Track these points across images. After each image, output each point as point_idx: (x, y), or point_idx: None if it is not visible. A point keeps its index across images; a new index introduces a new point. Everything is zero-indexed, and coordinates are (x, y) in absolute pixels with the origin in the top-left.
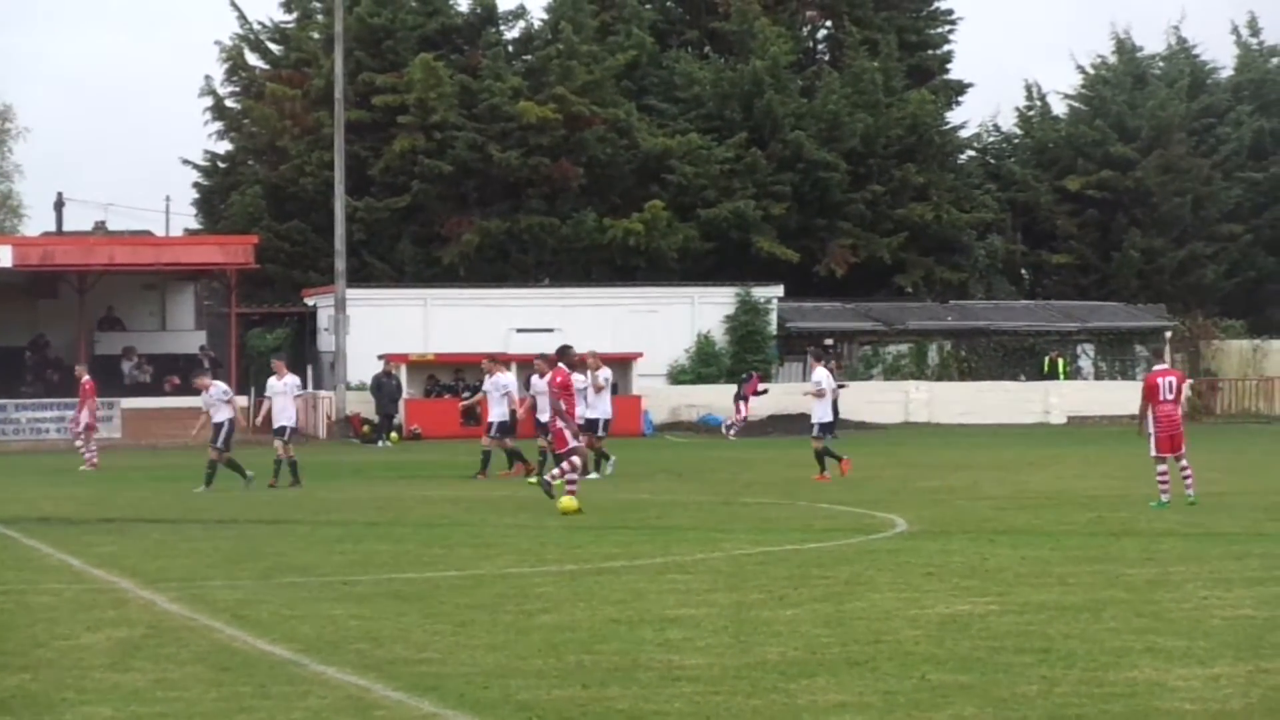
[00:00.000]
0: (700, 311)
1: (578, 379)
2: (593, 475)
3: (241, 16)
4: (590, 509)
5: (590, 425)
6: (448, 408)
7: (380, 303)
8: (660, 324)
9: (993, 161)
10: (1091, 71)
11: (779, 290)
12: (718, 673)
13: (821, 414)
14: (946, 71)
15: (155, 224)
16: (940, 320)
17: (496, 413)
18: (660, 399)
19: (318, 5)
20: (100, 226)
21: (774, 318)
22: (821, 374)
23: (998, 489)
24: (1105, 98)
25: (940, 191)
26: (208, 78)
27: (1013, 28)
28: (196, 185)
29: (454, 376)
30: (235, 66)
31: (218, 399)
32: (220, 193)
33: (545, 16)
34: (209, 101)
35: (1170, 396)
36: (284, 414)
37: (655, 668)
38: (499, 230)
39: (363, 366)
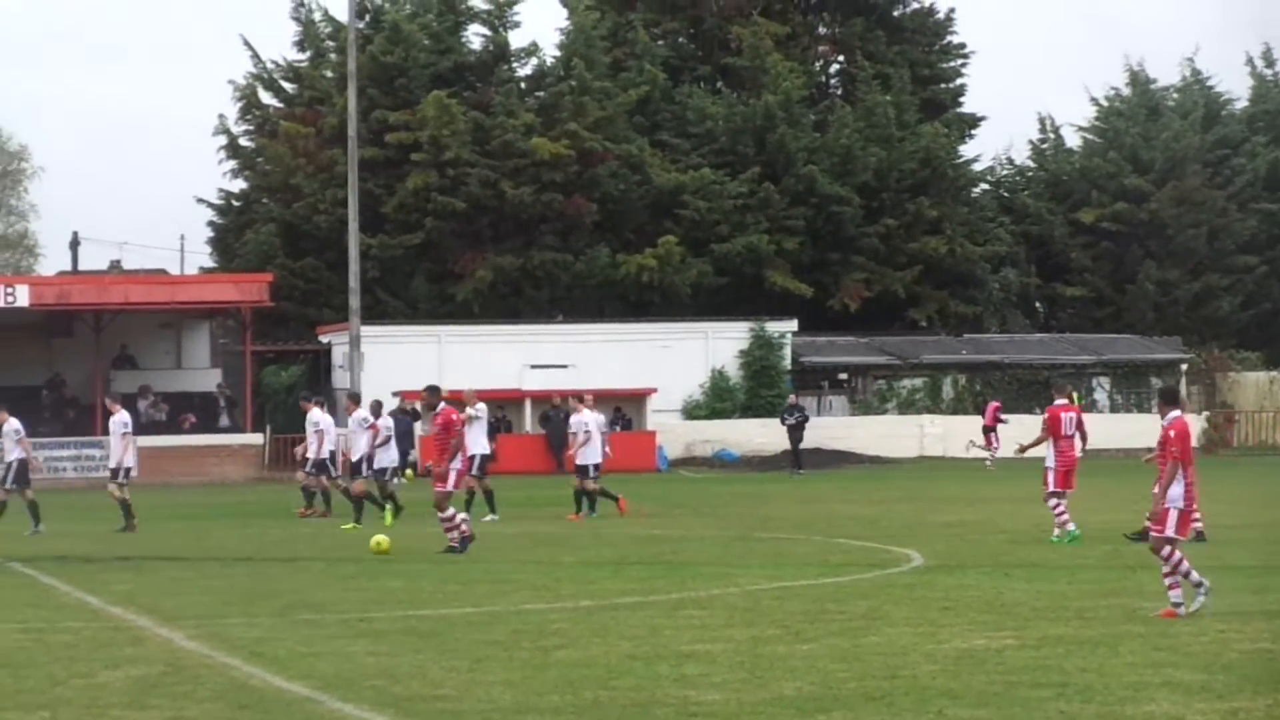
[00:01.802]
0: (714, 346)
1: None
2: (489, 517)
3: (255, 55)
4: (606, 545)
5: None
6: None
7: (394, 340)
8: (674, 359)
9: (1006, 194)
10: (1105, 104)
11: (793, 325)
12: (734, 708)
13: (591, 455)
14: (959, 105)
15: (170, 262)
16: (954, 354)
17: (318, 450)
18: (675, 434)
19: (331, 44)
20: (115, 265)
21: (788, 352)
22: (589, 417)
23: (1013, 523)
24: (1119, 130)
25: (954, 225)
26: (222, 116)
27: (1026, 60)
28: (211, 224)
29: None
30: (249, 105)
31: (9, 437)
32: (235, 231)
33: (558, 53)
34: (223, 140)
35: (1070, 432)
36: (115, 454)
37: (672, 704)
38: (512, 267)
39: None
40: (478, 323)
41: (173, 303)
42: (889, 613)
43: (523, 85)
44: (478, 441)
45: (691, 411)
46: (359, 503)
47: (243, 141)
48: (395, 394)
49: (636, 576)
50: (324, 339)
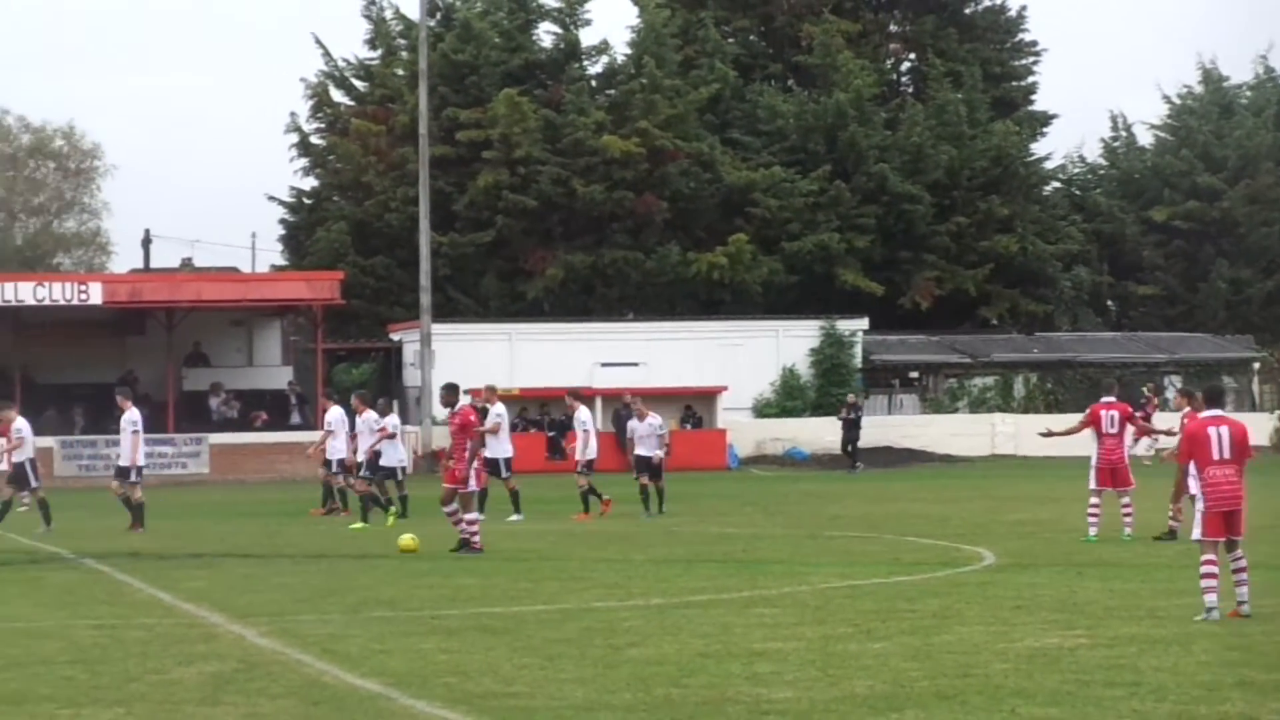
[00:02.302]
0: (785, 345)
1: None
2: (514, 517)
3: (326, 54)
4: (677, 543)
5: (493, 466)
6: (533, 442)
7: (465, 337)
8: (745, 357)
9: (1078, 193)
10: (1177, 101)
11: (864, 323)
12: (806, 706)
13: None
14: (1031, 103)
15: (241, 260)
16: (1026, 352)
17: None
18: (745, 432)
19: (402, 42)
20: (187, 263)
21: (859, 350)
22: (586, 415)
23: (1085, 521)
24: (1191, 128)
25: (1025, 223)
26: (293, 114)
27: (1097, 58)
28: (282, 221)
29: (540, 411)
30: (320, 103)
31: (23, 435)
32: (306, 229)
33: (628, 51)
34: (294, 138)
35: (1113, 430)
36: (125, 452)
37: (744, 701)
38: (583, 264)
39: None
40: (548, 321)
41: (244, 300)
42: (961, 611)
43: (593, 83)
44: (500, 444)
45: (762, 410)
46: (366, 503)
47: (314, 139)
48: (466, 391)
49: (708, 574)
50: (395, 337)
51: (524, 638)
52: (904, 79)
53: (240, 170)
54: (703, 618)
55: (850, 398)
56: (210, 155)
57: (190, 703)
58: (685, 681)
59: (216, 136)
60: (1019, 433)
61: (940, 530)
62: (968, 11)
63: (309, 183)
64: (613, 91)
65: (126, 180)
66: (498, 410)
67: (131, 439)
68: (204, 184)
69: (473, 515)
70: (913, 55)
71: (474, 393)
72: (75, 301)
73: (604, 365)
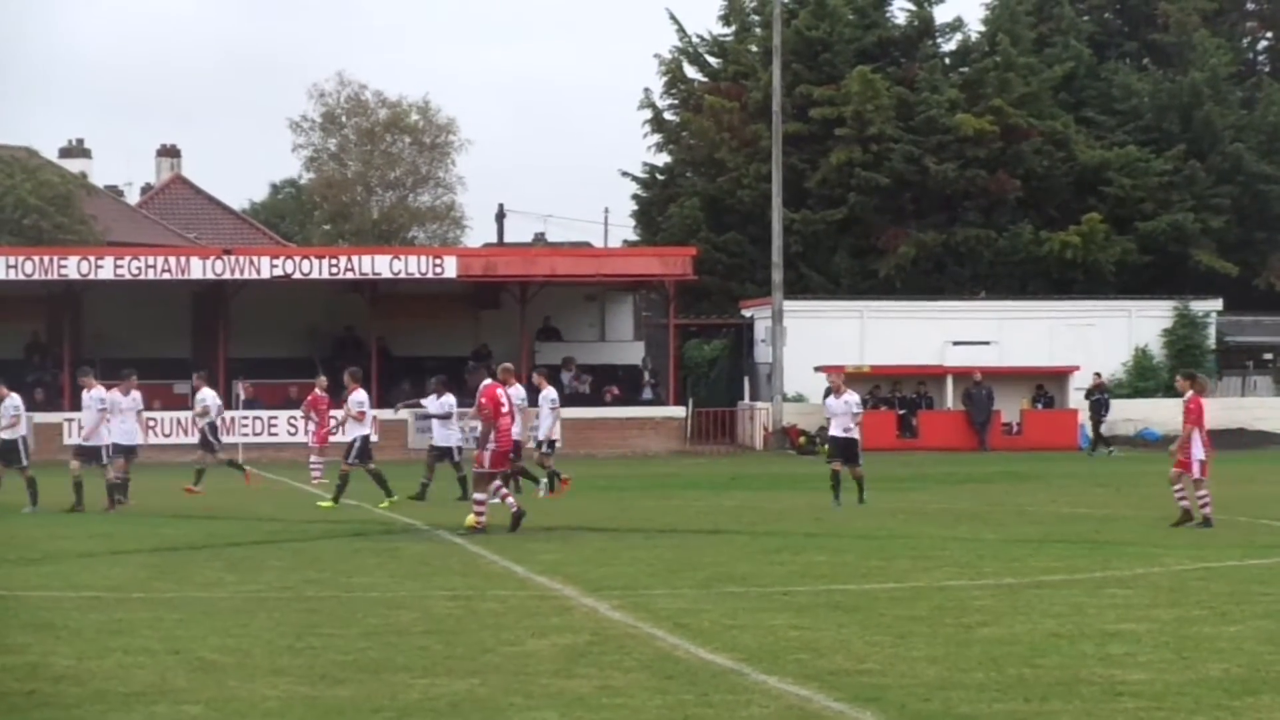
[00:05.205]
0: (1137, 325)
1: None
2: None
3: (680, 30)
4: (1028, 522)
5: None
6: (884, 420)
7: (816, 314)
8: (1097, 337)
9: None
10: None
11: (1218, 304)
12: (1160, 689)
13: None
14: None
15: (593, 235)
16: None
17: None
18: None
19: (756, 19)
20: (540, 238)
21: (1212, 332)
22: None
23: None
24: None
25: None
26: (647, 90)
27: None
28: (635, 197)
29: (891, 389)
30: (674, 79)
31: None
32: (659, 204)
33: (982, 29)
34: (648, 114)
35: None
36: (87, 430)
37: (1097, 682)
38: (935, 242)
39: (798, 378)
40: (900, 299)
41: (597, 275)
42: None
43: (947, 61)
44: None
45: (1113, 390)
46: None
47: (667, 115)
48: (817, 369)
49: (1059, 554)
50: (746, 313)
51: (875, 615)
52: (1260, 57)
53: (593, 146)
54: (1055, 598)
55: (1095, 377)
56: (563, 131)
57: (544, 674)
58: (1037, 661)
59: (569, 113)
60: None
61: None
62: None
63: (662, 158)
64: (966, 69)
65: (480, 155)
66: (548, 394)
67: (97, 417)
68: (557, 159)
69: (483, 496)
70: (1269, 34)
71: (826, 370)
72: (430, 275)
73: (955, 344)
